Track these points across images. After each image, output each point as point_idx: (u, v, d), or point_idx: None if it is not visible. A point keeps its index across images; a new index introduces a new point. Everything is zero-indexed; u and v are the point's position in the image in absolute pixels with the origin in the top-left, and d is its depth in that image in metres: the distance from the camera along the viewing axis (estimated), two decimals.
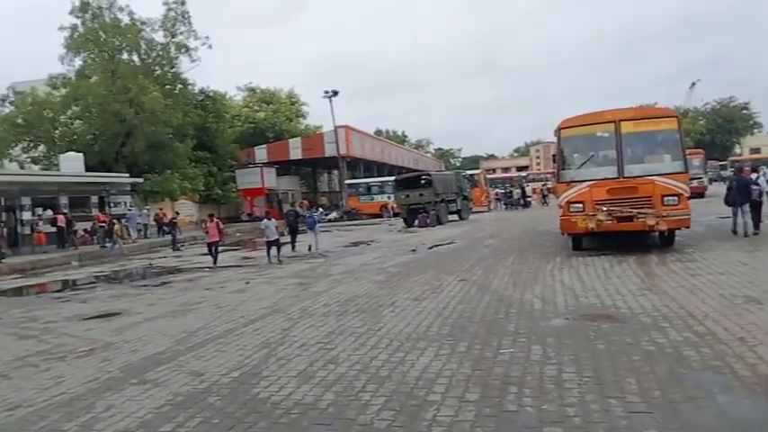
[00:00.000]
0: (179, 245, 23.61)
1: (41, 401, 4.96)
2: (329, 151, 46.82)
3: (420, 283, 10.39)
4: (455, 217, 30.96)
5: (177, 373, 5.61)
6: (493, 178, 60.82)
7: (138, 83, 33.68)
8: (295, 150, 49.60)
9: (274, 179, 48.09)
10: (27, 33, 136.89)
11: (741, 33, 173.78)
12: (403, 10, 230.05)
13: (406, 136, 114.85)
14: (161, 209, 31.66)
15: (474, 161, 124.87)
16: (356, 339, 6.46)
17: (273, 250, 16.64)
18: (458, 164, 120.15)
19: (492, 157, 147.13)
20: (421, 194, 28.74)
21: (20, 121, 33.72)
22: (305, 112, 63.56)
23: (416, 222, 27.96)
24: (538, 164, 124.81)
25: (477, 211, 36.37)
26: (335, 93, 43.94)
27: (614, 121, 11.89)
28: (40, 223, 24.22)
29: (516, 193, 43.72)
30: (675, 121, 12.03)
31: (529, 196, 43.07)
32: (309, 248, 18.71)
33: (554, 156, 13.23)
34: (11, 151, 35.01)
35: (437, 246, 17.61)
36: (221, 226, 17.70)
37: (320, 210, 27.41)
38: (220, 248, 17.73)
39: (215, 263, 16.43)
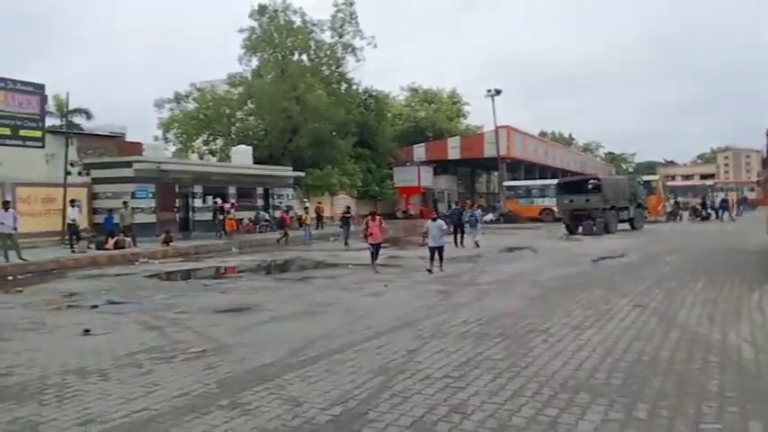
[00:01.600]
0: (346, 239, 23.59)
1: (118, 418, 4.31)
2: (489, 152, 45.10)
3: (582, 304, 8.62)
4: (626, 226, 27.74)
5: (274, 398, 4.69)
6: (672, 185, 54.44)
7: (305, 81, 34.96)
8: (453, 150, 48.58)
9: (431, 178, 47.54)
10: (209, 38, 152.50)
11: None
12: (578, 8, 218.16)
13: (573, 138, 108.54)
14: (320, 203, 32.43)
15: (649, 167, 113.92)
16: (494, 378, 5.07)
17: (435, 258, 13.51)
18: (630, 169, 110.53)
19: (671, 163, 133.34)
20: (587, 200, 26.03)
21: (201, 116, 36.78)
22: (466, 111, 62.52)
23: (580, 230, 25.40)
24: (726, 172, 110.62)
25: (653, 221, 32.30)
26: (498, 92, 42.00)
27: None
28: (232, 211, 25.54)
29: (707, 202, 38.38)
30: None
31: (713, 208, 37.65)
32: (477, 245, 19.83)
33: (766, 160, 10.47)
34: (193, 144, 38.35)
35: (604, 258, 15.34)
36: (384, 225, 15.97)
37: (479, 210, 26.34)
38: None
39: (374, 262, 14.52)
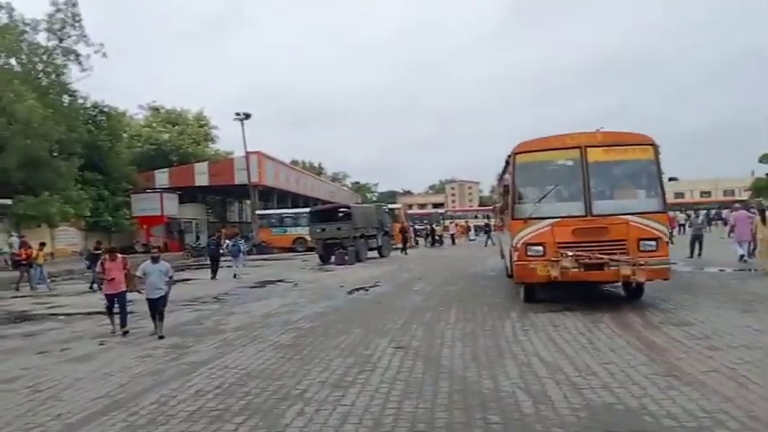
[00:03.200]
0: (41, 281, 19.22)
1: None
2: (239, 178, 43.14)
3: (342, 351, 7.52)
4: (375, 254, 28.49)
5: None
6: (411, 213, 59.20)
7: (13, 89, 28.93)
8: (201, 176, 45.40)
9: (176, 206, 43.52)
10: None
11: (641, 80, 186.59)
12: (327, 43, 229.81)
13: (323, 168, 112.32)
14: (23, 236, 25.72)
15: (390, 196, 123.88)
16: None
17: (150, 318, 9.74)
18: (374, 198, 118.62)
19: (408, 192, 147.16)
20: (339, 228, 25.97)
21: None
22: (214, 135, 59.34)
23: (333, 259, 25.16)
24: (453, 201, 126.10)
25: (396, 248, 33.94)
26: (248, 115, 40.56)
27: (579, 147, 9.77)
28: None
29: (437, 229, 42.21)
30: (651, 150, 9.80)
31: (440, 235, 41.79)
32: (235, 276, 19.75)
33: (505, 187, 10.97)
34: None
35: (359, 289, 14.82)
36: (129, 266, 10.40)
37: (242, 240, 24.94)
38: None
39: (114, 323, 9.96)
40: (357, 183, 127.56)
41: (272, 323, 10.12)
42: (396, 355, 7.15)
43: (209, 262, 21.47)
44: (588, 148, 9.73)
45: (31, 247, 19.72)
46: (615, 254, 9.21)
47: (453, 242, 40.80)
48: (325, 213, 28.38)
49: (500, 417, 4.71)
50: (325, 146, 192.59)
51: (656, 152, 9.82)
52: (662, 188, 9.85)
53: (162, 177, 45.40)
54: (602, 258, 9.22)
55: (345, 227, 25.80)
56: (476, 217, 67.50)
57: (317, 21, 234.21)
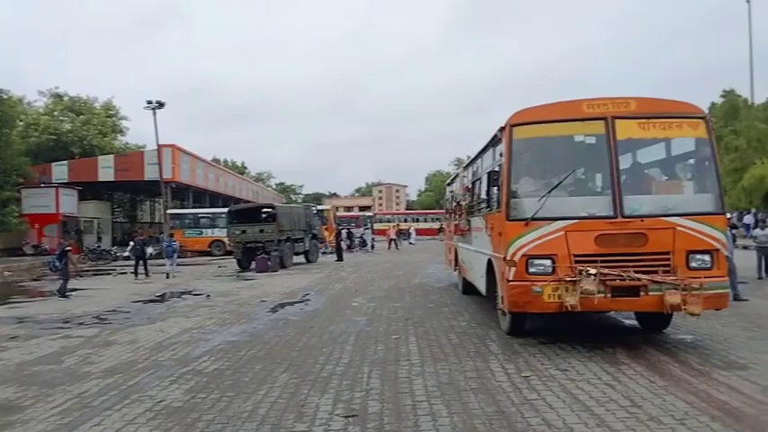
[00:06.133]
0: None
1: None
2: (151, 174, 38.96)
3: (260, 424, 4.79)
4: (301, 259, 25.69)
5: None
6: (340, 216, 56.50)
7: None
8: (106, 170, 40.72)
9: (75, 204, 38.57)
10: None
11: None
12: (258, 42, 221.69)
13: (246, 167, 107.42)
14: None
15: (316, 198, 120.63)
16: None
17: None
18: (299, 200, 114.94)
19: (334, 195, 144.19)
20: (262, 230, 22.98)
21: None
22: (124, 127, 54.12)
23: (253, 265, 22.14)
24: (380, 204, 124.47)
25: (324, 253, 31.15)
26: (161, 104, 36.50)
27: (605, 119, 6.97)
28: None
29: (359, 232, 39.88)
30: (703, 125, 7.03)
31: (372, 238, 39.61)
32: (167, 276, 19.59)
33: (491, 173, 7.78)
34: None
35: (284, 305, 12.05)
36: None
37: (176, 240, 23.37)
38: None
39: None
40: (282, 184, 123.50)
41: (161, 362, 7.19)
42: None
43: (133, 262, 21.15)
44: (617, 120, 6.95)
45: None
46: (656, 272, 6.56)
47: (390, 247, 38.42)
48: (247, 213, 25.23)
49: None
50: (249, 145, 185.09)
51: (710, 129, 7.09)
52: (719, 180, 7.09)
53: (60, 171, 40.37)
54: (638, 279, 6.51)
55: (269, 229, 22.87)
56: (405, 220, 65.87)
57: (248, 18, 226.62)
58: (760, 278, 14.15)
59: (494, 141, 8.25)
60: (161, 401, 5.52)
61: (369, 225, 52.59)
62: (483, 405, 5.04)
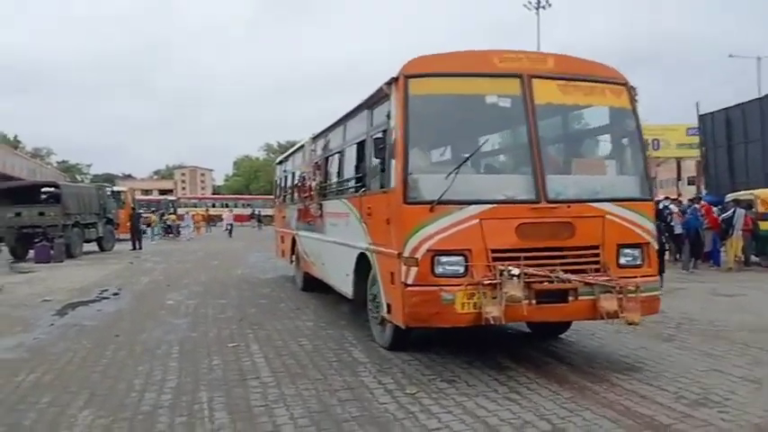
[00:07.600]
0: None
1: None
2: None
3: None
4: (93, 247, 22.18)
5: None
6: (140, 200, 51.22)
7: None
8: None
9: None
10: None
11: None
12: (50, 8, 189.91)
13: (19, 141, 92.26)
14: None
15: (107, 180, 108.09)
16: None
17: None
18: (87, 180, 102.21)
19: (129, 176, 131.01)
20: (42, 213, 19.22)
21: None
22: None
23: (32, 254, 18.42)
24: (183, 188, 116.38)
25: (122, 239, 27.36)
26: None
27: (521, 76, 5.59)
28: None
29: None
30: (625, 93, 5.92)
31: (177, 224, 36.97)
32: None
33: (376, 140, 5.90)
34: None
35: (75, 306, 9.71)
36: None
37: None
38: None
39: None
40: (65, 162, 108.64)
41: None
42: None
43: None
44: (535, 80, 5.61)
45: None
46: (585, 271, 5.35)
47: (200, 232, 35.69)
48: (21, 192, 20.86)
49: None
50: (28, 119, 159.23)
51: (633, 99, 5.96)
52: (645, 160, 6.04)
53: None
54: (567, 281, 5.21)
55: (52, 212, 19.21)
56: (213, 205, 62.22)
57: None
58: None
59: (373, 100, 6.39)
60: None
61: (172, 209, 48.64)
62: None
